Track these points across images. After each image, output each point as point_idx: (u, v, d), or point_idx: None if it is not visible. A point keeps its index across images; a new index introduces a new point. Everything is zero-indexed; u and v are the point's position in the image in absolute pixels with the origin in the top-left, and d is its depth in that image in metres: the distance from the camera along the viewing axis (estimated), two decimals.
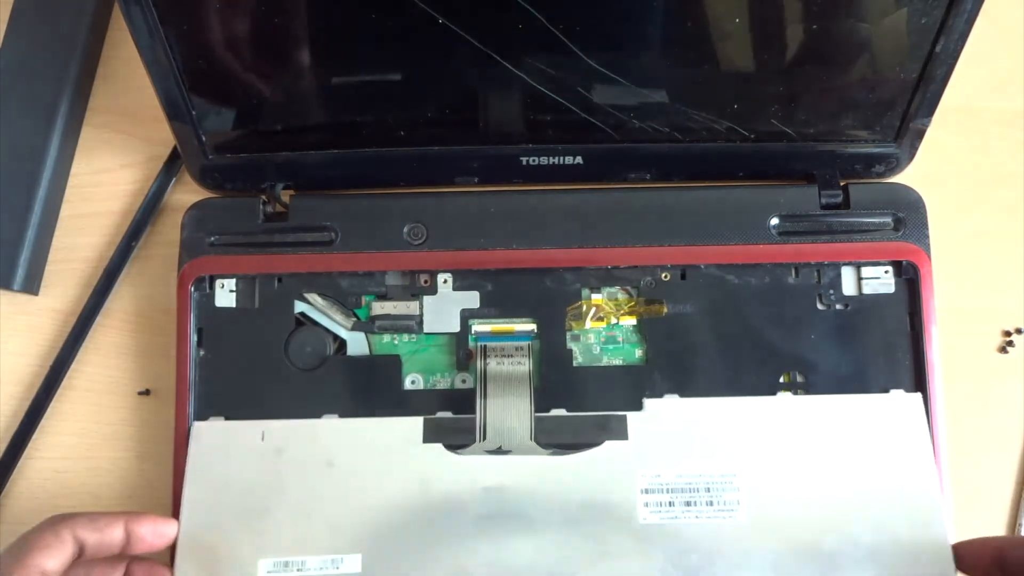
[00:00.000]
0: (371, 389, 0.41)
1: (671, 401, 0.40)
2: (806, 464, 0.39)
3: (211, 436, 0.39)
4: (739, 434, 0.39)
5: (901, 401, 0.40)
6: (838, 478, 0.38)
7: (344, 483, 0.38)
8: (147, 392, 0.43)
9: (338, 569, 0.37)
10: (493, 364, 0.40)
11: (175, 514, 0.38)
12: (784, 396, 0.40)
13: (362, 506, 0.38)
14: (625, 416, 0.40)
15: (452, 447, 0.39)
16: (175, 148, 0.44)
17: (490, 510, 0.38)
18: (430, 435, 0.39)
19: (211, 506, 0.38)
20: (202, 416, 0.40)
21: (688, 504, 0.38)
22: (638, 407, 0.40)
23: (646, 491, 0.38)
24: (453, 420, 0.40)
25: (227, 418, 0.40)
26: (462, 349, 0.41)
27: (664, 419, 0.40)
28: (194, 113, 0.39)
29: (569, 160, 0.42)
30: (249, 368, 0.41)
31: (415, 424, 0.39)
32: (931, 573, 0.37)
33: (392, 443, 0.39)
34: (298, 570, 0.37)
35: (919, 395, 0.40)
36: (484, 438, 0.39)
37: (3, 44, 0.44)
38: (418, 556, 0.38)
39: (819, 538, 0.38)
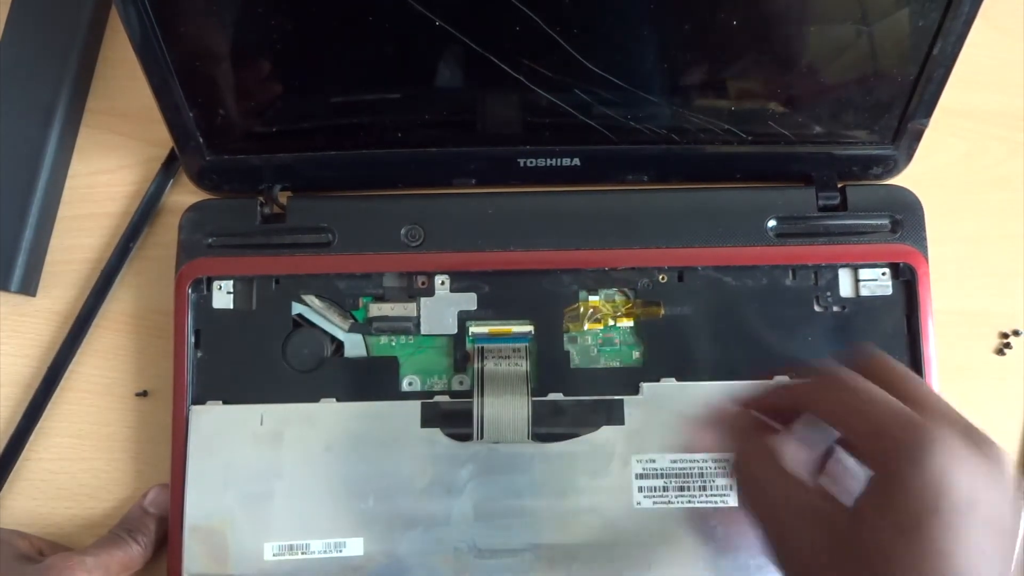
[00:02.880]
0: (369, 390, 0.41)
1: (668, 385, 0.40)
2: None
3: (210, 420, 0.40)
4: None
5: None
6: None
7: (343, 467, 0.39)
8: (145, 393, 0.43)
9: (341, 552, 0.39)
10: (491, 365, 0.40)
11: (175, 507, 0.39)
12: (781, 379, 0.40)
13: (362, 490, 0.39)
14: (622, 400, 0.40)
15: (449, 432, 0.40)
16: (172, 149, 0.44)
17: (488, 494, 0.39)
18: (427, 419, 0.40)
19: (214, 490, 0.39)
20: None
21: (682, 489, 0.39)
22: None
23: (640, 476, 0.39)
24: (450, 404, 0.40)
25: (225, 403, 0.40)
26: (459, 351, 0.41)
27: (661, 403, 0.40)
28: (191, 114, 0.39)
29: (566, 162, 0.42)
30: (246, 370, 0.41)
31: (413, 408, 0.40)
32: None
33: (390, 427, 0.40)
34: (302, 553, 0.39)
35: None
36: (481, 436, 0.39)
37: (0, 45, 0.44)
38: (418, 539, 0.39)
39: None
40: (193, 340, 0.41)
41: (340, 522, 0.39)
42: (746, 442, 0.35)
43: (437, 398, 0.40)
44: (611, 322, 0.42)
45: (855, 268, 0.42)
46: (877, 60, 0.39)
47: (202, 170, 0.42)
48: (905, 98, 0.40)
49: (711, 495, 0.39)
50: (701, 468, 0.39)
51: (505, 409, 0.39)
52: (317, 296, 0.42)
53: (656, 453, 0.39)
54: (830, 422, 0.33)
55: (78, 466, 0.42)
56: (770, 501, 0.33)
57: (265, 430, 0.40)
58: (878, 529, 0.29)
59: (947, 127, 0.45)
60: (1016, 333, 0.44)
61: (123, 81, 0.46)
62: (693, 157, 0.42)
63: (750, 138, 0.41)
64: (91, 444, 0.42)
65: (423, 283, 0.42)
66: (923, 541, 0.28)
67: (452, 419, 0.40)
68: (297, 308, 0.42)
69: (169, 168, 0.44)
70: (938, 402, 0.32)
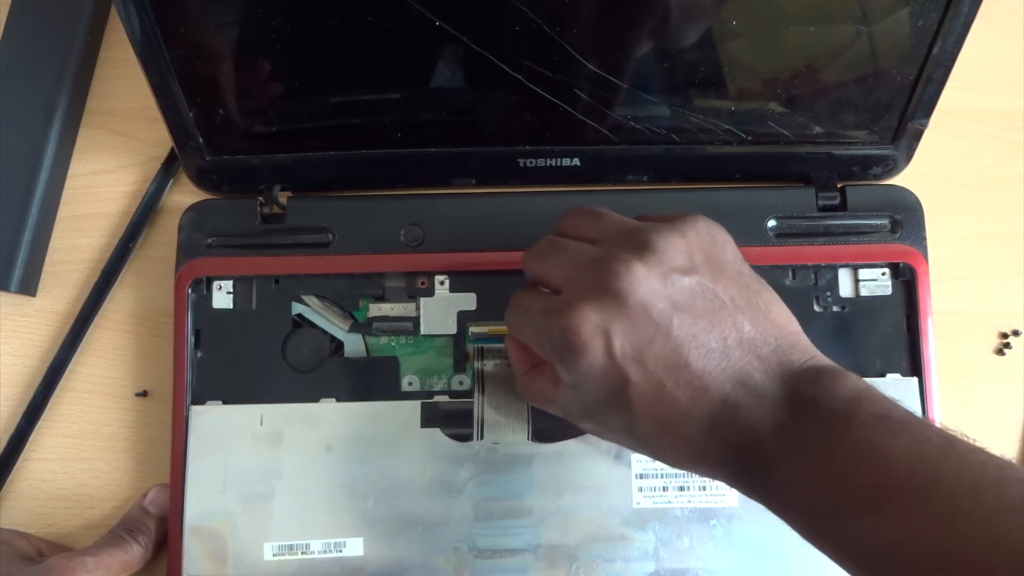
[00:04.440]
0: (369, 391, 0.41)
1: None
2: None
3: (210, 420, 0.40)
4: None
5: (897, 385, 0.40)
6: None
7: (343, 467, 0.39)
8: (144, 393, 0.43)
9: (341, 552, 0.39)
10: (490, 366, 0.40)
11: (175, 507, 0.39)
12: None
13: (362, 490, 0.39)
14: None
15: (449, 432, 0.40)
16: (172, 149, 0.44)
17: (488, 494, 0.39)
18: (427, 420, 0.40)
19: (214, 490, 0.39)
20: None
21: (682, 489, 0.39)
22: None
23: (641, 476, 0.39)
24: (450, 404, 0.40)
25: (225, 403, 0.40)
26: (459, 351, 0.41)
27: None
28: (191, 114, 0.39)
29: (567, 162, 0.42)
30: (246, 370, 0.41)
31: (413, 408, 0.40)
32: None
33: (390, 427, 0.40)
34: (303, 553, 0.39)
35: (915, 379, 0.41)
36: (481, 436, 0.39)
37: (0, 45, 0.44)
38: (418, 539, 0.39)
39: None
40: (193, 340, 0.41)
41: (340, 522, 0.39)
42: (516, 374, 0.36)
43: (437, 398, 0.40)
44: None
45: (855, 268, 0.42)
46: (877, 60, 0.39)
47: (202, 170, 0.42)
48: (905, 98, 0.40)
49: (711, 495, 0.39)
50: None
51: (505, 409, 0.39)
52: (317, 296, 0.42)
53: None
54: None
55: (78, 466, 0.42)
56: (545, 406, 0.34)
57: (265, 430, 0.40)
58: (599, 413, 0.31)
59: (947, 127, 0.45)
60: (1016, 333, 0.44)
61: (123, 81, 0.46)
62: (693, 157, 0.42)
63: (750, 138, 0.41)
64: (91, 444, 0.42)
65: (423, 283, 0.42)
66: (635, 403, 0.30)
67: (452, 419, 0.40)
68: (297, 308, 0.42)
69: (169, 168, 0.44)
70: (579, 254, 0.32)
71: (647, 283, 0.29)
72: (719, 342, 0.29)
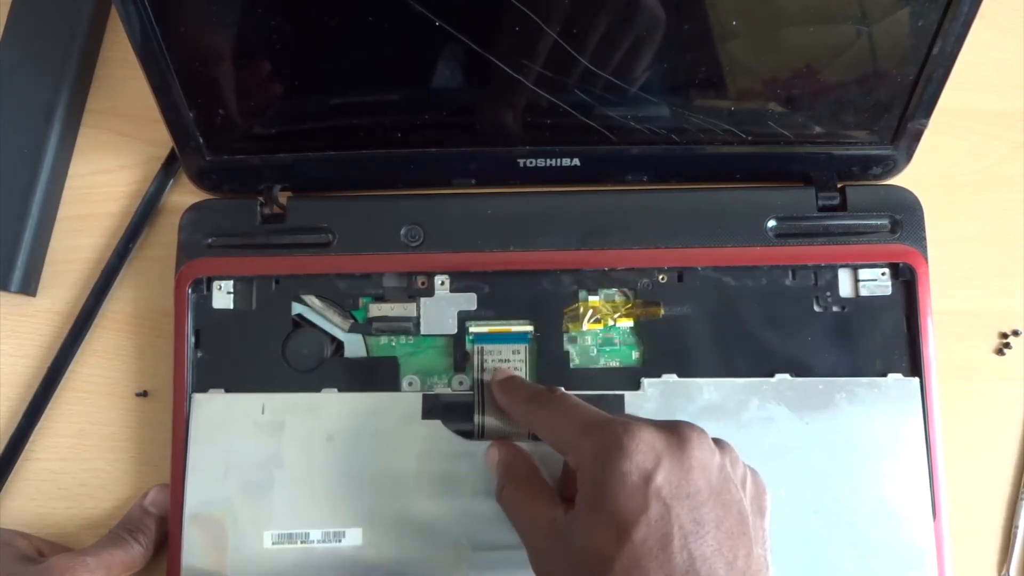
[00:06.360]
0: (369, 391, 0.41)
1: (668, 381, 0.40)
2: (800, 445, 0.40)
3: (212, 408, 0.40)
4: (735, 412, 0.40)
5: (897, 385, 0.40)
6: (831, 459, 0.40)
7: (344, 457, 0.39)
8: (144, 394, 0.43)
9: (340, 542, 0.39)
10: (490, 365, 0.40)
11: (175, 500, 0.39)
12: (781, 377, 0.41)
13: (362, 481, 0.39)
14: (623, 396, 0.40)
15: (450, 425, 0.40)
16: (172, 149, 0.44)
17: (487, 488, 0.39)
18: (429, 412, 0.40)
19: (215, 479, 0.39)
20: None
21: None
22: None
23: None
24: (452, 396, 0.40)
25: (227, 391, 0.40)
26: (459, 351, 0.41)
27: (661, 399, 0.40)
28: (191, 114, 0.39)
29: (567, 162, 0.42)
30: (246, 370, 0.41)
31: (414, 400, 0.40)
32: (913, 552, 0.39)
33: (391, 418, 0.40)
34: (302, 542, 0.39)
35: (915, 379, 0.41)
36: (482, 437, 0.39)
37: (0, 45, 0.44)
38: (417, 531, 0.39)
39: (808, 518, 0.39)
40: (193, 340, 0.41)
41: (340, 512, 0.39)
42: (500, 473, 0.37)
43: (438, 390, 0.41)
44: (611, 322, 0.42)
45: (855, 268, 0.42)
46: (877, 60, 0.39)
47: (202, 170, 0.42)
48: (905, 98, 0.40)
49: None
50: None
51: (505, 413, 0.39)
52: (317, 296, 0.42)
53: None
54: (540, 434, 0.36)
55: (78, 466, 0.42)
56: (525, 527, 0.34)
57: (266, 419, 0.40)
58: (592, 528, 0.30)
59: (947, 127, 0.45)
60: (1016, 333, 0.44)
61: (123, 81, 0.46)
62: (693, 157, 0.42)
63: (750, 138, 0.41)
64: (91, 444, 0.42)
65: (423, 283, 0.42)
66: (634, 538, 0.29)
67: (453, 412, 0.40)
68: (297, 308, 0.42)
69: (169, 168, 0.44)
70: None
71: None
72: None
